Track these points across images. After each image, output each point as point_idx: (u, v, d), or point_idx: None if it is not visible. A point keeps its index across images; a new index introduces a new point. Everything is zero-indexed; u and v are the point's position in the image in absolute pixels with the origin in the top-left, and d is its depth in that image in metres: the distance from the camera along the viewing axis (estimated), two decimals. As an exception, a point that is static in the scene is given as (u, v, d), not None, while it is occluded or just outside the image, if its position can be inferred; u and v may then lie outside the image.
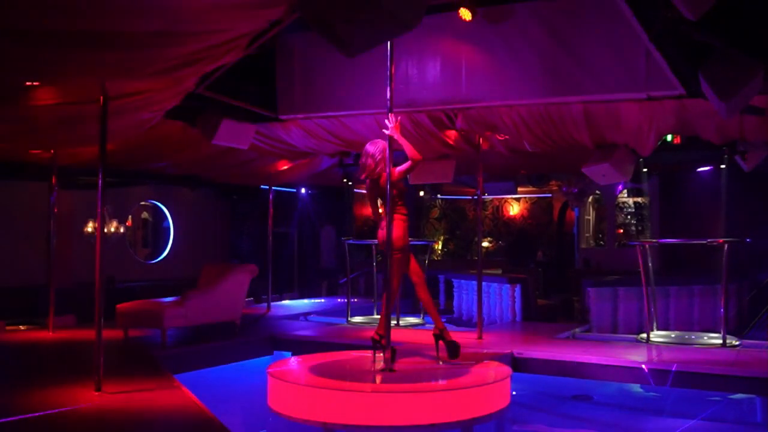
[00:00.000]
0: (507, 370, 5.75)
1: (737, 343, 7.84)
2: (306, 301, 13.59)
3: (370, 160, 5.95)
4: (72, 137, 7.70)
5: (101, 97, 5.45)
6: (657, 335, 8.42)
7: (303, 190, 14.48)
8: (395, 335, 6.96)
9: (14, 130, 7.26)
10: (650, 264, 8.64)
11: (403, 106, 7.31)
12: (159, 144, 8.80)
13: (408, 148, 5.75)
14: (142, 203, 14.16)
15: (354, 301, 11.13)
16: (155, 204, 14.10)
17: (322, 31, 3.65)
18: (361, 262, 13.52)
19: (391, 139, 5.63)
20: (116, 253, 12.31)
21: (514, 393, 5.65)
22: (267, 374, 5.43)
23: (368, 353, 6.12)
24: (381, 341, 5.71)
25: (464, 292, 11.56)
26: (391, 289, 5.64)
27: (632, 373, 6.72)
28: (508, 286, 10.36)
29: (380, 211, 6.03)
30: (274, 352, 8.56)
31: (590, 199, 16.98)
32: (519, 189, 16.61)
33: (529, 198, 18.35)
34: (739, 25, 5.22)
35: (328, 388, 4.91)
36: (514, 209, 18.57)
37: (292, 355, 7.91)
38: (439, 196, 18.65)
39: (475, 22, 6.62)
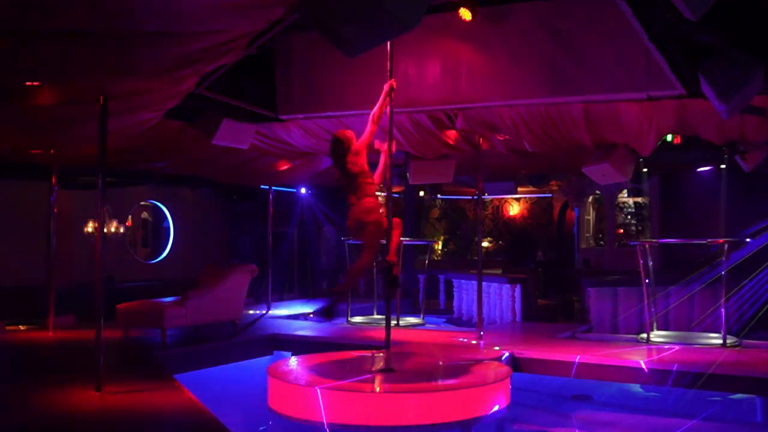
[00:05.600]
0: (507, 370, 5.74)
1: (737, 343, 7.84)
2: (306, 301, 13.58)
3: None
4: (72, 137, 7.70)
5: (101, 97, 5.46)
6: (657, 335, 8.42)
7: (303, 190, 14.47)
8: (395, 335, 6.97)
9: (14, 130, 7.27)
10: (650, 264, 8.64)
11: (403, 105, 7.31)
12: (159, 144, 8.80)
13: (378, 109, 5.78)
14: (142, 203, 14.16)
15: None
16: (155, 204, 14.09)
17: (322, 31, 3.65)
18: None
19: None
20: (116, 253, 12.30)
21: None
22: (267, 374, 5.43)
23: (368, 353, 6.12)
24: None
25: (464, 292, 11.56)
26: (365, 261, 5.85)
27: (632, 373, 6.72)
28: (508, 286, 10.36)
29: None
30: (274, 352, 8.57)
31: (590, 199, 16.96)
32: (519, 189, 16.58)
33: (529, 198, 18.33)
34: (739, 25, 5.21)
35: (328, 388, 4.91)
36: (514, 209, 18.56)
37: (292, 355, 7.90)
38: (439, 196, 18.63)
39: (475, 22, 6.61)
